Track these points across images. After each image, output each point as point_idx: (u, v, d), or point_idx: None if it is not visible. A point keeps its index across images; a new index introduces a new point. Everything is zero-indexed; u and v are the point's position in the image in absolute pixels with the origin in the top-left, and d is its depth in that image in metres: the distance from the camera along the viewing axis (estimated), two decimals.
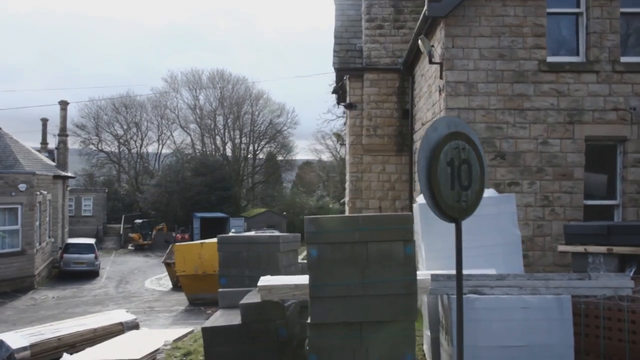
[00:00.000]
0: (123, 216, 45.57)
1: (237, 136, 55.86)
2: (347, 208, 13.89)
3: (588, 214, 8.74)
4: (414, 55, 11.68)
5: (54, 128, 38.32)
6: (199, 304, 16.65)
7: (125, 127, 56.09)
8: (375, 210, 13.26)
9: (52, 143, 39.27)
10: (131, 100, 55.77)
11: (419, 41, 9.05)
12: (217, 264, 16.22)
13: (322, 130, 61.39)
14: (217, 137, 55.71)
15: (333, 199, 52.10)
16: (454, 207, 4.14)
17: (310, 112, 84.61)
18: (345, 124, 16.93)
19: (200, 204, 47.11)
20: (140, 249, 39.43)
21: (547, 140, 8.73)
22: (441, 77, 8.96)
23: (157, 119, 56.79)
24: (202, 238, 42.14)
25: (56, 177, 28.35)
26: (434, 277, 5.37)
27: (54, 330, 9.86)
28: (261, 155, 58.47)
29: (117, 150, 56.65)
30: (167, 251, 23.03)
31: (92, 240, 27.85)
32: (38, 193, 22.83)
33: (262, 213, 46.83)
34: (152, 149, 57.44)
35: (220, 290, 6.90)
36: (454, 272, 5.77)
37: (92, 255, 25.65)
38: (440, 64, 8.95)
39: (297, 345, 6.72)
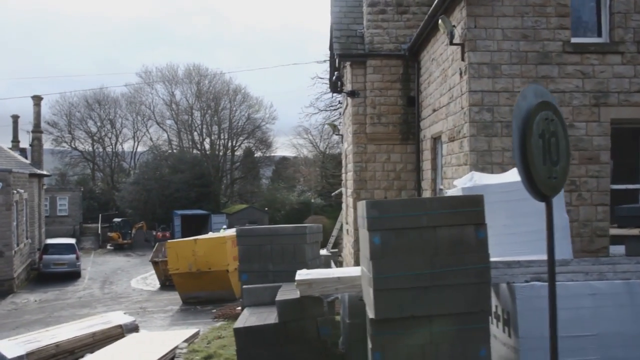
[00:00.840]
0: (100, 215, 44.19)
1: (215, 132, 54.84)
2: (349, 200, 13.45)
3: (613, 199, 8.49)
4: (422, 40, 11.29)
5: (24, 125, 36.89)
6: (193, 302, 15.99)
7: (99, 124, 54.45)
8: None
9: (24, 141, 37.87)
10: (104, 96, 54.17)
11: (440, 21, 8.63)
12: (212, 260, 15.70)
13: (301, 125, 60.97)
14: (195, 133, 54.59)
15: (315, 194, 51.59)
16: (546, 184, 3.73)
17: (287, 109, 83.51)
18: (342, 113, 16.48)
19: (179, 201, 46.10)
20: (119, 248, 38.27)
21: (572, 123, 8.43)
22: (463, 59, 8.57)
23: (132, 116, 55.31)
24: (183, 236, 41.08)
25: (31, 175, 27.15)
26: (493, 265, 4.97)
27: (51, 337, 9.15)
28: (239, 152, 57.61)
29: (91, 149, 54.96)
30: (154, 249, 22.25)
31: (72, 240, 26.81)
32: (15, 192, 21.74)
33: (244, 209, 46.07)
34: (127, 146, 55.97)
35: (245, 287, 6.38)
36: (511, 258, 5.41)
37: (73, 256, 24.63)
38: (462, 45, 8.57)
39: (331, 344, 6.27)
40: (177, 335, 9.81)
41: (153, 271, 27.39)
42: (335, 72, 12.68)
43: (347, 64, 12.88)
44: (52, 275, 23.98)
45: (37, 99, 31.20)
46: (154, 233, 40.69)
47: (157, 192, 45.95)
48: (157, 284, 22.15)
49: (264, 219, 45.49)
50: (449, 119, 9.64)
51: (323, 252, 15.96)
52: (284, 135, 60.03)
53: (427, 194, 11.62)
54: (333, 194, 25.30)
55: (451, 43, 8.70)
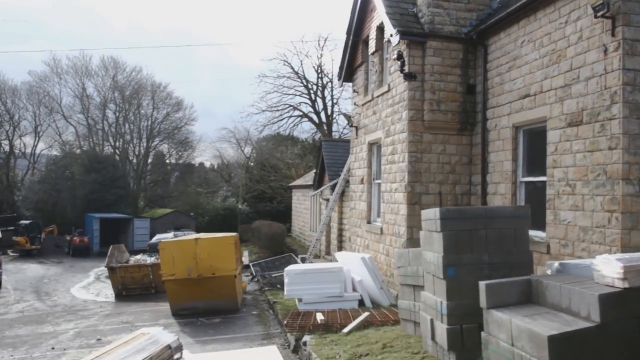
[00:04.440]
0: None
1: (132, 130, 50.42)
2: (397, 195, 12.20)
3: None
4: (507, 20, 10.44)
5: None
6: (185, 315, 13.62)
7: None
8: (435, 195, 11.79)
9: None
10: (1, 84, 47.46)
11: None
12: (217, 264, 13.53)
13: (226, 127, 58.17)
14: (109, 131, 49.72)
15: (241, 199, 49.12)
16: None
17: (206, 113, 79.31)
18: (359, 104, 15.20)
19: (93, 203, 41.50)
20: (27, 254, 33.11)
21: None
22: (613, 34, 7.80)
23: (34, 108, 48.99)
24: (102, 242, 36.88)
25: None
26: None
27: None
28: (157, 152, 53.50)
29: None
30: (108, 254, 19.10)
31: None
32: None
33: (169, 214, 42.59)
34: (27, 140, 49.39)
35: (487, 283, 4.87)
36: None
37: None
38: (612, 18, 7.80)
39: None
40: (256, 355, 7.89)
41: (90, 279, 23.96)
42: (397, 51, 11.37)
43: (404, 43, 11.69)
44: None
45: None
46: (68, 238, 35.91)
47: (68, 193, 40.94)
48: (108, 294, 19.04)
49: (190, 224, 42.45)
50: (565, 102, 8.82)
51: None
52: (206, 141, 56.79)
53: (501, 187, 10.72)
54: (313, 193, 23.68)
55: (602, 16, 7.87)
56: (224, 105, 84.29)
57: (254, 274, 20.47)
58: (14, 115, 47.64)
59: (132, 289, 18.34)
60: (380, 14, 12.59)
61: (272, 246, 26.16)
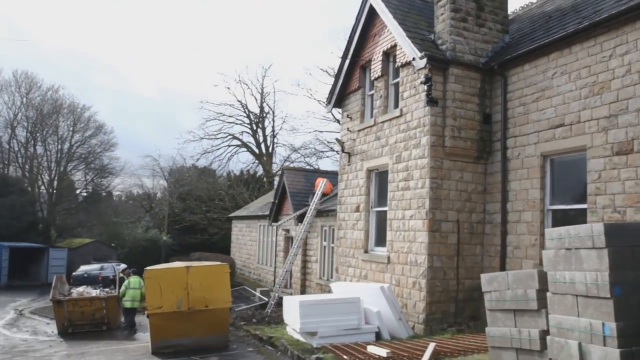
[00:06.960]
0: None
1: (45, 154, 46.09)
2: (413, 222, 11.84)
3: None
4: (537, 52, 10.72)
5: None
6: (168, 354, 12.04)
7: None
8: (453, 223, 11.60)
9: None
10: None
11: None
12: (211, 296, 12.23)
13: (150, 154, 54.95)
14: (19, 152, 45.06)
15: (164, 231, 46.22)
16: None
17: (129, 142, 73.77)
18: (353, 130, 14.84)
19: None
20: None
21: None
22: None
23: None
24: (11, 273, 32.88)
25: None
26: None
27: None
28: (70, 178, 49.20)
29: None
30: (53, 285, 16.72)
31: None
32: None
33: (89, 244, 39.06)
34: None
35: None
36: None
37: None
38: None
39: None
40: None
41: (11, 315, 20.91)
42: (425, 76, 11.18)
43: (426, 68, 11.59)
44: None
45: None
46: None
47: None
48: (48, 331, 16.64)
49: (112, 255, 39.17)
50: (611, 131, 9.07)
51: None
52: (128, 169, 53.02)
53: (526, 215, 10.75)
54: (278, 224, 22.57)
55: None
56: (134, 134, 79.52)
57: None
58: None
59: (79, 325, 16.13)
60: (397, 38, 12.48)
61: None
